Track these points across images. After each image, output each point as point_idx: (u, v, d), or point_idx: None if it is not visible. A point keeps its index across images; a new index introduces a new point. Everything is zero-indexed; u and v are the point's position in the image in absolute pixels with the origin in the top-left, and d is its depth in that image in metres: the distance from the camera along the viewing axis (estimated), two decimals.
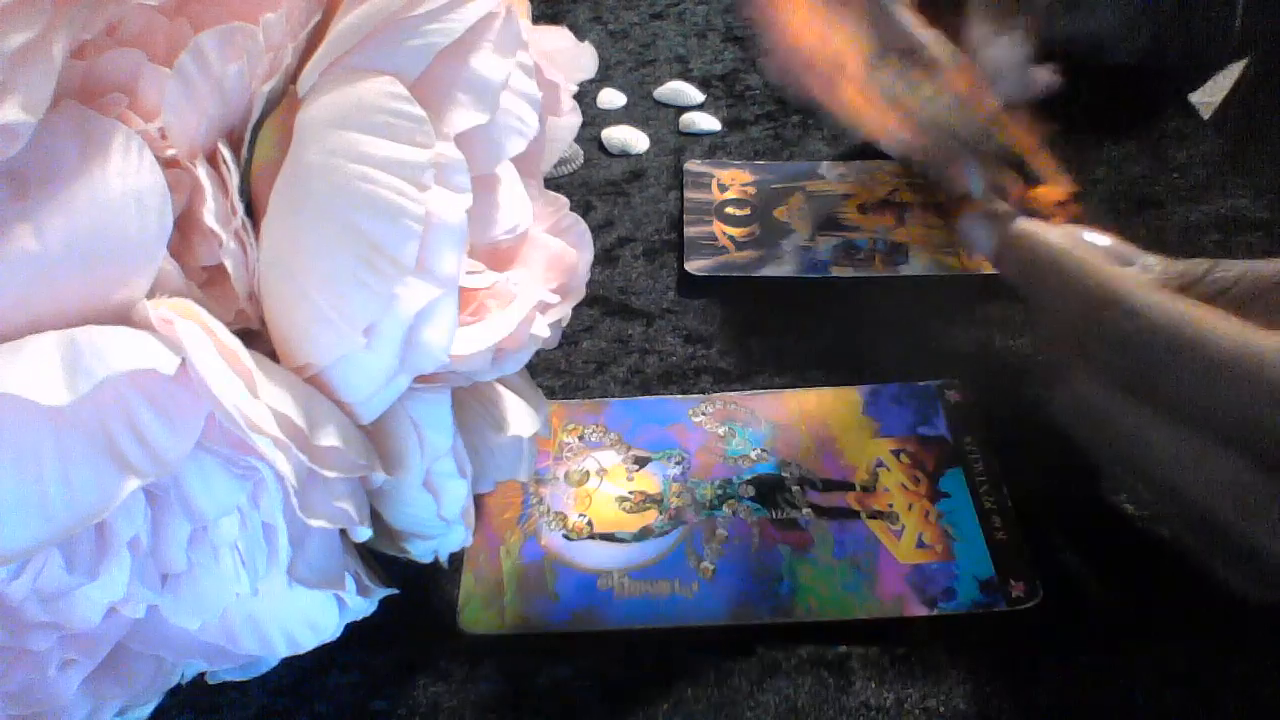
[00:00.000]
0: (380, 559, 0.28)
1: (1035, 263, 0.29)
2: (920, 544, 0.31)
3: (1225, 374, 0.23)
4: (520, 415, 0.27)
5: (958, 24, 0.42)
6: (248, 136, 0.23)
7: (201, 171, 0.21)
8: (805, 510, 0.32)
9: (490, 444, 0.27)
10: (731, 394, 0.37)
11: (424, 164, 0.20)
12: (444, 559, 0.28)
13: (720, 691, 0.28)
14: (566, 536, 0.32)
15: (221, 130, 0.22)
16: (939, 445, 0.34)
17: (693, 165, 0.49)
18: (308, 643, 0.26)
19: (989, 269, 0.41)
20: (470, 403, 0.26)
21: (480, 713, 0.28)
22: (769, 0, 0.34)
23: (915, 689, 0.28)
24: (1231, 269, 0.26)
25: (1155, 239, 0.42)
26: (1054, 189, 0.36)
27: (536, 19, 0.28)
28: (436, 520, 0.25)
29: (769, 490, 0.33)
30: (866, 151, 0.49)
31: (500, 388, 0.28)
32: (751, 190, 0.47)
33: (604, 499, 0.33)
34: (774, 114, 0.53)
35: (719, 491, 0.33)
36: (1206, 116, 0.56)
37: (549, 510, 0.33)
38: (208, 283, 0.22)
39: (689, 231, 0.44)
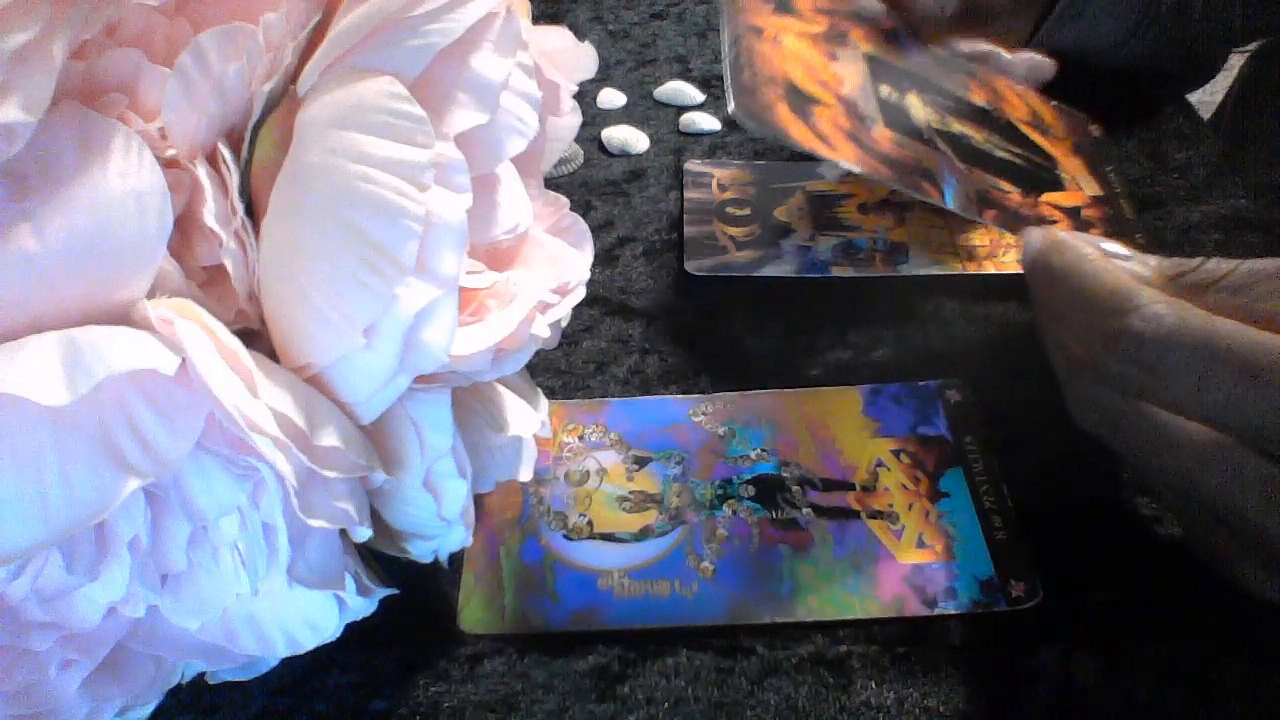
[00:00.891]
0: (380, 559, 0.28)
1: (1059, 269, 0.29)
2: (920, 544, 0.31)
3: (1243, 377, 0.23)
4: (520, 415, 0.27)
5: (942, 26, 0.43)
6: (248, 136, 0.23)
7: (201, 171, 0.21)
8: (805, 510, 0.32)
9: (490, 444, 0.27)
10: (731, 394, 0.37)
11: (424, 164, 0.20)
12: (444, 559, 0.28)
13: (720, 691, 0.28)
14: (566, 536, 0.32)
15: (221, 130, 0.22)
16: (939, 445, 0.34)
17: (693, 165, 0.49)
18: (308, 643, 0.26)
19: (989, 269, 0.41)
20: (470, 403, 0.26)
21: (480, 713, 0.28)
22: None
23: (915, 689, 0.28)
24: (1224, 264, 0.27)
25: (1155, 239, 0.42)
26: (1072, 193, 0.36)
27: (536, 19, 0.28)
28: (436, 520, 0.25)
29: (769, 490, 0.33)
30: None
31: (500, 388, 0.28)
32: (751, 190, 0.47)
33: (604, 499, 0.33)
34: None
35: (719, 491, 0.33)
36: (1206, 116, 0.56)
37: (549, 510, 0.33)
38: (208, 283, 0.22)
39: (689, 231, 0.44)
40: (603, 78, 0.56)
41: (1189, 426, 0.25)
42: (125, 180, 0.19)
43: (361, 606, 0.26)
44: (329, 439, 0.21)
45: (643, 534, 0.32)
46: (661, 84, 0.55)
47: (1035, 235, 0.31)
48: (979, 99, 0.40)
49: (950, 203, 0.33)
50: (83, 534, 0.21)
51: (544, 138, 0.29)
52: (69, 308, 0.19)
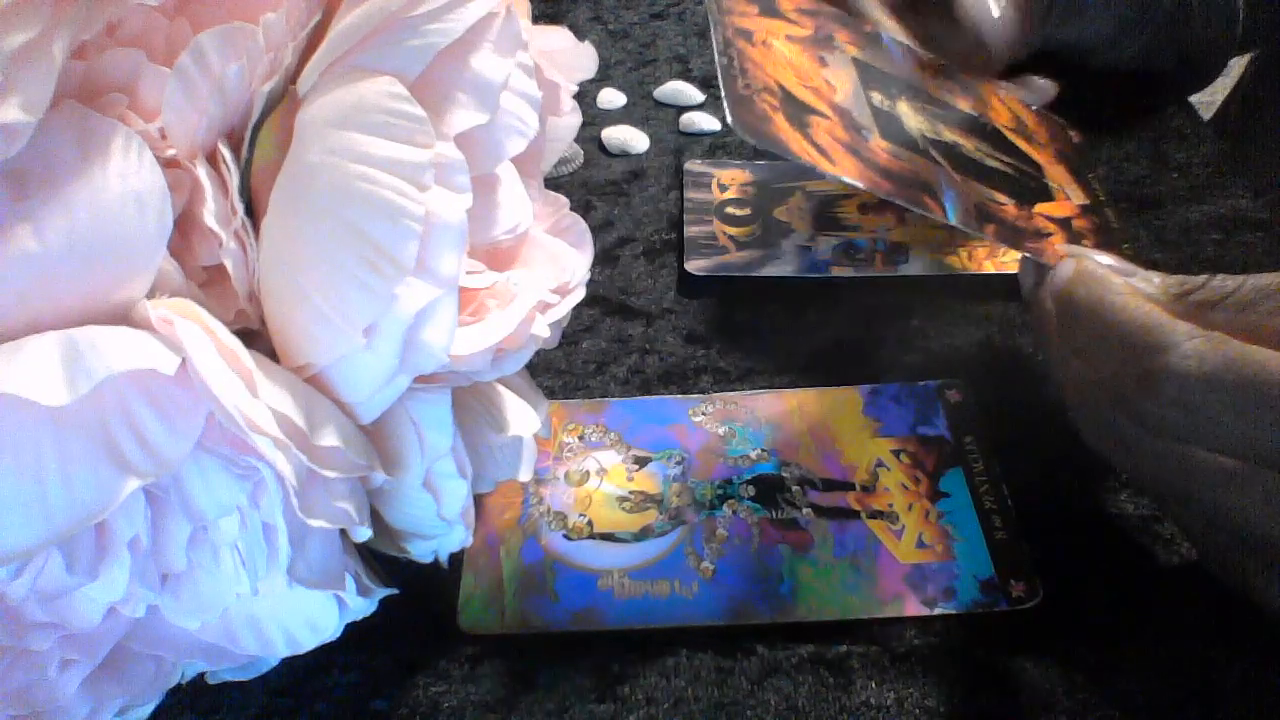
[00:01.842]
0: (380, 559, 0.28)
1: (1082, 302, 0.28)
2: (920, 544, 0.31)
3: (1276, 405, 0.23)
4: (520, 415, 0.27)
5: (937, 28, 0.43)
6: (248, 136, 0.23)
7: (201, 171, 0.21)
8: (805, 510, 0.32)
9: (490, 444, 0.27)
10: (731, 394, 0.37)
11: (424, 164, 0.20)
12: (444, 559, 0.28)
13: (720, 691, 0.28)
14: (566, 536, 0.32)
15: (221, 130, 0.22)
16: (939, 445, 0.34)
17: (693, 165, 0.49)
18: (308, 643, 0.26)
19: (989, 269, 0.41)
20: (470, 403, 0.26)
21: (480, 713, 0.28)
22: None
23: (915, 689, 0.28)
24: (1229, 281, 0.26)
25: (1155, 239, 0.42)
26: (1061, 203, 0.36)
27: (536, 19, 0.28)
28: (436, 520, 0.25)
29: (769, 490, 0.33)
30: None
31: (500, 388, 0.28)
32: (751, 190, 0.47)
33: (604, 499, 0.33)
34: None
35: (719, 491, 0.33)
36: (1206, 116, 0.56)
37: (549, 510, 0.33)
38: (208, 283, 0.22)
39: (689, 231, 0.44)
40: (603, 78, 0.56)
41: (1219, 459, 0.25)
42: (125, 180, 0.19)
43: (361, 606, 0.26)
44: (329, 439, 0.21)
45: (643, 534, 0.32)
46: (661, 84, 0.55)
47: (1029, 269, 0.31)
48: (965, 106, 0.40)
49: (952, 218, 0.33)
50: (83, 534, 0.21)
51: (544, 138, 0.29)
52: (69, 308, 0.19)
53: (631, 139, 0.51)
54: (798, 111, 0.33)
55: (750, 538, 0.32)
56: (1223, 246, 0.42)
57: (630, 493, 0.33)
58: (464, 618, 0.30)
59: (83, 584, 0.22)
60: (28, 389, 0.17)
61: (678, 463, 0.34)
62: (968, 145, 0.37)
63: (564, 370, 0.39)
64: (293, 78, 0.23)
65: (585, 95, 0.54)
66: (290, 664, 0.27)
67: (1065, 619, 0.29)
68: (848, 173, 0.32)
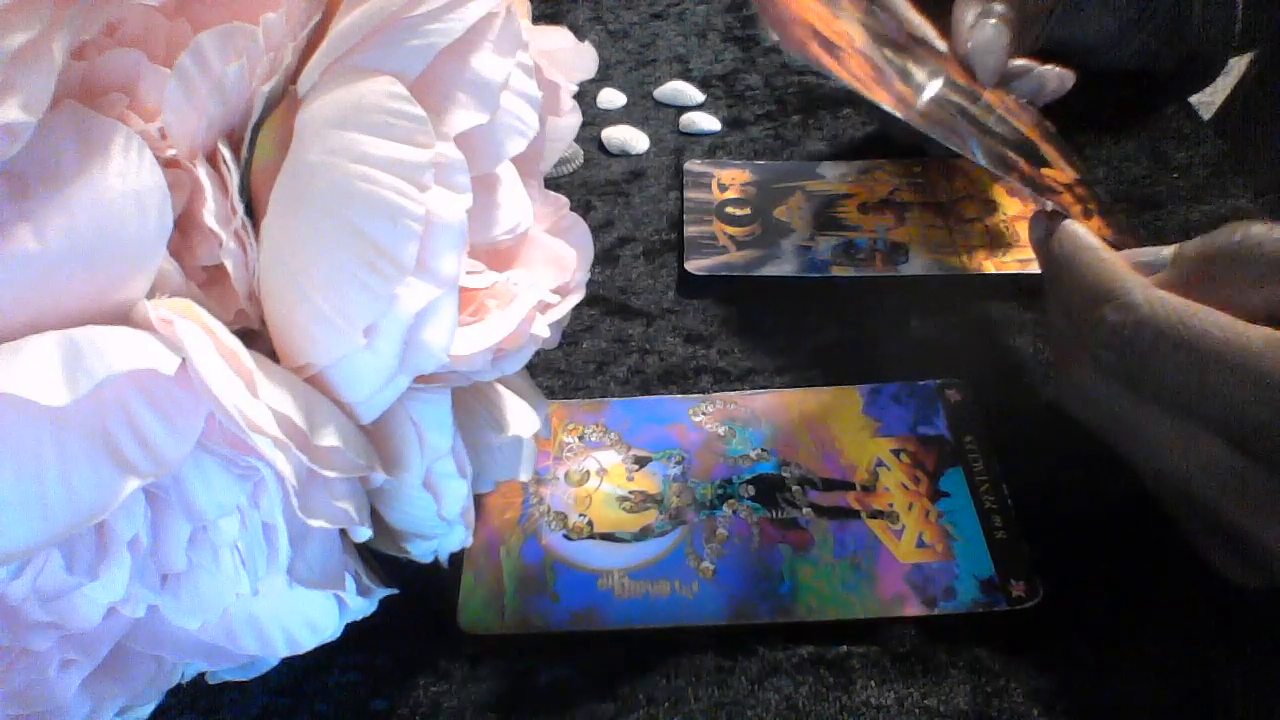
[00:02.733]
0: (380, 559, 0.28)
1: (1059, 256, 0.30)
2: (920, 543, 0.31)
3: (1214, 366, 0.24)
4: (520, 415, 0.27)
5: (944, 20, 0.43)
6: (248, 136, 0.23)
7: (201, 171, 0.21)
8: (805, 510, 0.32)
9: (490, 444, 0.27)
10: (731, 394, 0.37)
11: (424, 164, 0.20)
12: (444, 559, 0.28)
13: (721, 691, 0.28)
14: (566, 536, 0.32)
15: (221, 130, 0.22)
16: (939, 445, 0.34)
17: (693, 165, 0.49)
18: (308, 643, 0.26)
19: (989, 269, 0.41)
20: (470, 403, 0.26)
21: (480, 713, 0.28)
22: None
23: (915, 689, 0.28)
24: (1267, 233, 0.26)
25: (1155, 239, 0.42)
26: (1059, 172, 0.36)
27: (536, 19, 0.28)
28: (436, 520, 0.25)
29: (769, 490, 0.33)
30: (867, 151, 0.49)
31: (500, 388, 0.28)
32: (751, 190, 0.47)
33: (604, 499, 0.33)
34: (774, 114, 0.53)
35: (719, 491, 0.33)
36: (1206, 117, 0.56)
37: (549, 510, 0.33)
38: (208, 283, 0.22)
39: (689, 231, 0.44)
40: (603, 78, 0.56)
41: (1165, 417, 0.26)
42: (125, 180, 0.19)
43: (361, 606, 0.26)
44: (329, 439, 0.21)
45: (643, 534, 0.32)
46: (661, 84, 0.55)
47: (1038, 223, 0.32)
48: (961, 80, 0.40)
49: (979, 158, 0.33)
50: (83, 534, 0.21)
51: (544, 138, 0.29)
52: (69, 308, 0.19)
53: (631, 139, 0.51)
54: (829, 46, 0.33)
55: (750, 538, 0.32)
56: None
57: (630, 493, 0.33)
58: (464, 618, 0.30)
59: (83, 584, 0.22)
60: (28, 389, 0.17)
61: (678, 463, 0.34)
62: (973, 109, 0.38)
63: (564, 370, 0.39)
64: (293, 78, 0.23)
65: (585, 95, 0.54)
66: (290, 664, 0.27)
67: (1065, 619, 0.29)
68: (885, 101, 0.33)
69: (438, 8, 0.21)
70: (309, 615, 0.25)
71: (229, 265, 0.22)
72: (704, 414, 0.36)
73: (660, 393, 0.37)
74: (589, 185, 0.49)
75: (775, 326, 0.40)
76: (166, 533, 0.22)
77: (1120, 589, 0.30)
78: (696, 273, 0.42)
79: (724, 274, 0.42)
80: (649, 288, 0.42)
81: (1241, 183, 0.45)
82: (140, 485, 0.19)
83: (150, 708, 0.26)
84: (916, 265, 0.42)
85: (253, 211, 0.23)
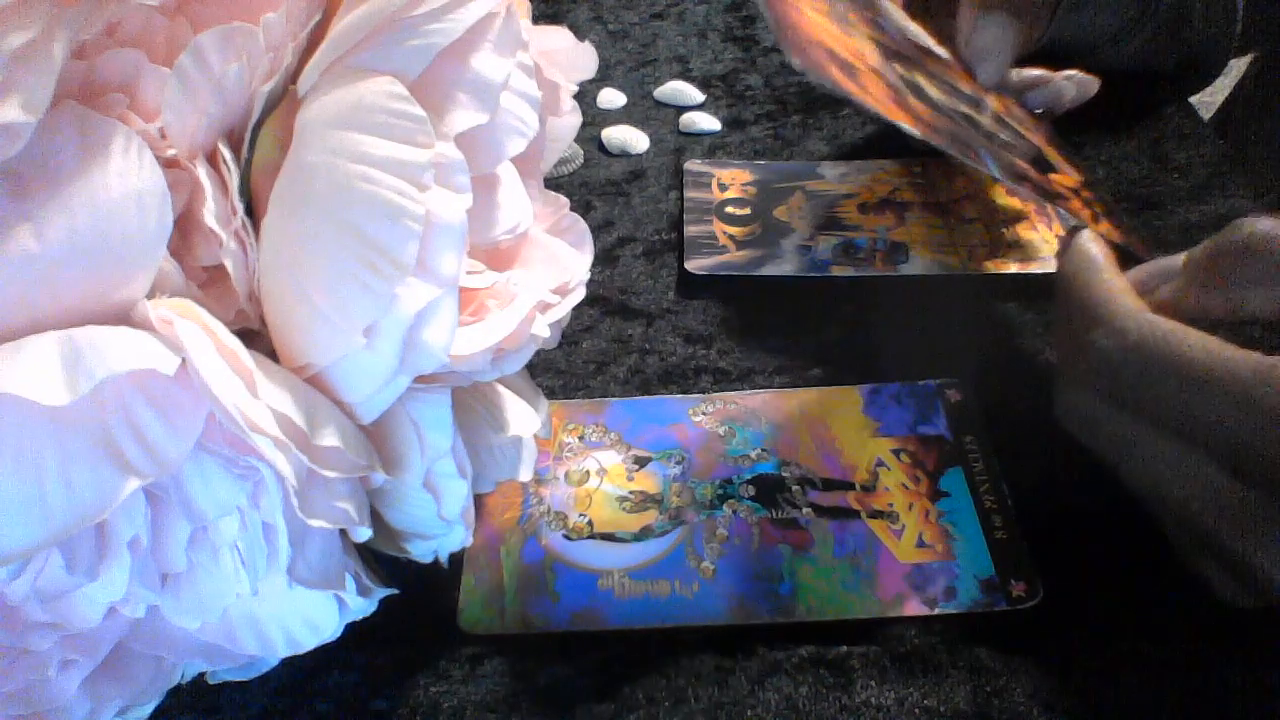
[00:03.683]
0: (380, 559, 0.28)
1: (1064, 273, 0.30)
2: (920, 543, 0.31)
3: (1203, 392, 0.24)
4: (520, 415, 0.27)
5: (946, 23, 0.42)
6: (248, 136, 0.23)
7: (201, 171, 0.21)
8: (805, 510, 0.32)
9: (490, 444, 0.27)
10: (731, 394, 0.37)
11: (424, 164, 0.20)
12: (444, 559, 0.28)
13: (721, 691, 0.28)
14: (566, 536, 0.32)
15: (221, 130, 0.22)
16: (939, 445, 0.34)
17: (693, 165, 0.49)
18: (308, 643, 0.26)
19: (989, 269, 0.41)
20: (470, 403, 0.26)
21: (480, 713, 0.28)
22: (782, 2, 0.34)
23: (915, 689, 0.28)
24: (1275, 228, 0.26)
25: (1155, 239, 0.42)
26: (1066, 176, 0.37)
27: (536, 19, 0.28)
28: (437, 520, 0.25)
29: (769, 490, 0.33)
30: (866, 151, 0.49)
31: (500, 388, 0.28)
32: (751, 190, 0.47)
33: (604, 499, 0.33)
34: (774, 114, 0.53)
35: (719, 491, 0.33)
36: (1206, 117, 0.56)
37: (549, 510, 0.33)
38: (208, 283, 0.22)
39: (689, 231, 0.44)
40: (603, 78, 0.56)
41: (1158, 441, 0.26)
42: (125, 180, 0.19)
43: (361, 606, 0.26)
44: (329, 439, 0.21)
45: (643, 534, 0.32)
46: (661, 84, 0.55)
47: (1065, 238, 0.32)
48: (966, 87, 0.40)
49: (995, 171, 0.33)
50: (83, 534, 0.21)
51: (544, 138, 0.29)
52: (69, 308, 0.19)
53: (631, 139, 0.51)
54: (845, 68, 0.33)
55: (750, 537, 0.32)
56: None
57: (630, 493, 0.33)
58: (464, 618, 0.30)
59: (83, 584, 0.22)
60: (28, 389, 0.17)
61: (678, 463, 0.34)
62: (981, 119, 0.38)
63: (564, 370, 0.39)
64: (293, 78, 0.23)
65: (585, 95, 0.54)
66: (290, 664, 0.27)
67: (1065, 619, 0.29)
68: (904, 121, 0.32)
69: (438, 8, 0.21)
70: (309, 615, 0.25)
71: (229, 265, 0.22)
72: (704, 414, 0.36)
73: (660, 393, 0.37)
74: (589, 185, 0.49)
75: (775, 326, 0.40)
76: (166, 533, 0.22)
77: (1120, 589, 0.30)
78: (696, 273, 0.42)
79: (724, 274, 0.42)
80: (649, 288, 0.42)
81: (1241, 183, 0.45)
82: (140, 485, 0.19)
83: (150, 708, 0.26)
84: (916, 265, 0.42)
85: (253, 211, 0.23)
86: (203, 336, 0.20)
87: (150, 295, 0.20)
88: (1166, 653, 0.28)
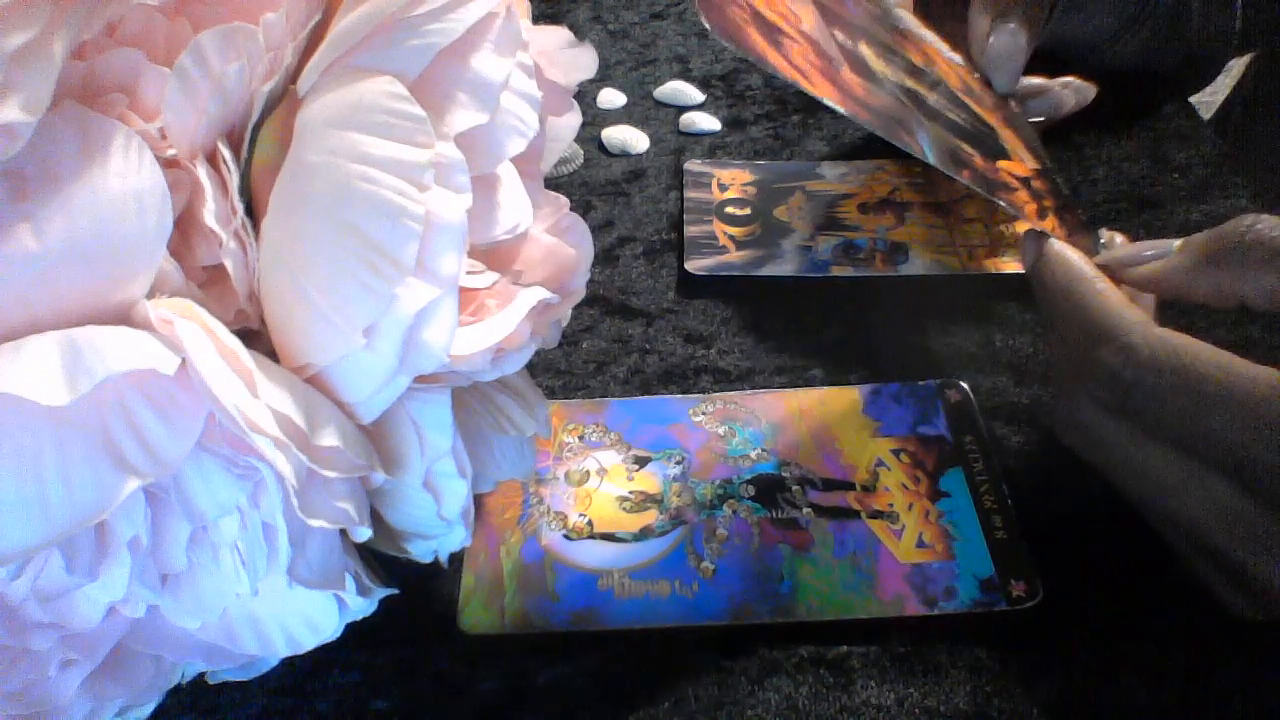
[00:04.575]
0: (380, 559, 0.28)
1: (1053, 285, 0.29)
2: (920, 543, 0.31)
3: (1216, 409, 0.24)
4: (520, 415, 0.27)
5: (959, 31, 0.42)
6: (248, 136, 0.23)
7: (201, 171, 0.21)
8: (805, 510, 0.32)
9: (490, 444, 0.27)
10: (731, 394, 0.37)
11: (424, 164, 0.20)
12: (444, 559, 0.28)
13: (721, 691, 0.28)
14: (567, 536, 0.32)
15: (221, 130, 0.22)
16: (939, 445, 0.34)
17: (693, 165, 0.49)
18: (308, 643, 0.26)
19: (989, 269, 0.41)
20: (470, 403, 0.26)
21: (480, 713, 0.28)
22: None
23: (915, 688, 0.28)
24: (1276, 226, 0.26)
25: (1155, 239, 0.42)
26: (1018, 164, 0.36)
27: (536, 19, 0.28)
28: (436, 520, 0.25)
29: (769, 490, 0.33)
30: (866, 151, 0.49)
31: (500, 388, 0.28)
32: (752, 190, 0.47)
33: (604, 499, 0.33)
34: (774, 114, 0.53)
35: (719, 491, 0.33)
36: (1206, 117, 0.56)
37: (549, 510, 0.33)
38: (208, 283, 0.22)
39: (689, 231, 0.44)
40: (603, 78, 0.56)
41: (1168, 457, 0.26)
42: (125, 180, 0.19)
43: (361, 606, 0.26)
44: (329, 439, 0.21)
45: (643, 534, 0.32)
46: (661, 84, 0.55)
47: (1029, 248, 0.31)
48: (917, 60, 0.40)
49: (930, 156, 0.32)
50: (83, 534, 0.21)
51: (544, 138, 0.29)
52: (69, 308, 0.19)
53: (631, 139, 0.51)
54: (769, 30, 0.32)
55: (750, 537, 0.32)
56: None
57: (630, 493, 0.33)
58: (464, 618, 0.30)
59: (83, 584, 0.22)
60: (28, 389, 0.17)
61: (678, 463, 0.34)
62: (930, 96, 0.37)
63: (564, 370, 0.39)
64: (293, 78, 0.23)
65: (585, 95, 0.54)
66: (290, 664, 0.27)
67: (1065, 619, 0.29)
68: (827, 95, 0.31)
69: (438, 8, 0.21)
70: (309, 615, 0.25)
71: (229, 265, 0.22)
72: (704, 414, 0.36)
73: (660, 393, 0.37)
74: (589, 185, 0.49)
75: (775, 326, 0.40)
76: (166, 533, 0.22)
77: (1120, 589, 0.30)
78: (696, 273, 0.42)
79: (724, 274, 0.42)
80: (649, 288, 0.42)
81: (1241, 183, 0.45)
82: (140, 485, 0.19)
83: (150, 708, 0.26)
84: (916, 265, 0.42)
85: (253, 211, 0.23)
86: (203, 336, 0.20)
87: (150, 295, 0.20)
88: (1166, 653, 0.28)
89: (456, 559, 0.31)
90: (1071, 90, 0.43)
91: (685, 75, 0.56)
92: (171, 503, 0.22)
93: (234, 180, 0.22)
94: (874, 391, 0.36)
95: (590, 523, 0.32)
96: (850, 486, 0.33)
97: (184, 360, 0.19)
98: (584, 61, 0.29)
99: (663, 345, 0.39)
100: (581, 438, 0.35)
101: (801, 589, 0.30)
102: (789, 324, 0.40)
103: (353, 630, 0.26)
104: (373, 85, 0.21)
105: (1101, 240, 0.33)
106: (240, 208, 0.22)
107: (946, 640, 0.29)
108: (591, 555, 0.32)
